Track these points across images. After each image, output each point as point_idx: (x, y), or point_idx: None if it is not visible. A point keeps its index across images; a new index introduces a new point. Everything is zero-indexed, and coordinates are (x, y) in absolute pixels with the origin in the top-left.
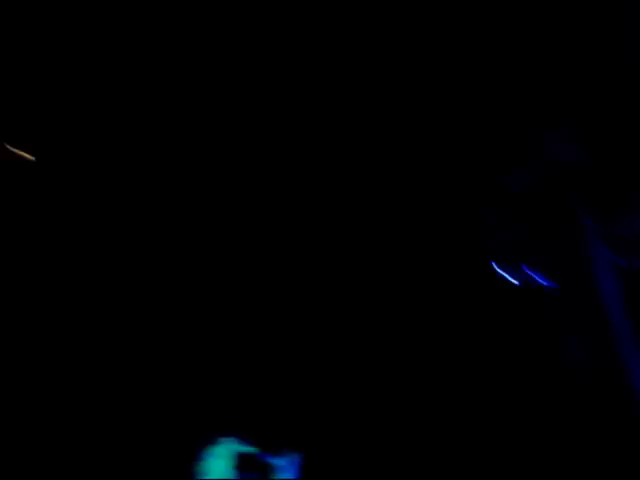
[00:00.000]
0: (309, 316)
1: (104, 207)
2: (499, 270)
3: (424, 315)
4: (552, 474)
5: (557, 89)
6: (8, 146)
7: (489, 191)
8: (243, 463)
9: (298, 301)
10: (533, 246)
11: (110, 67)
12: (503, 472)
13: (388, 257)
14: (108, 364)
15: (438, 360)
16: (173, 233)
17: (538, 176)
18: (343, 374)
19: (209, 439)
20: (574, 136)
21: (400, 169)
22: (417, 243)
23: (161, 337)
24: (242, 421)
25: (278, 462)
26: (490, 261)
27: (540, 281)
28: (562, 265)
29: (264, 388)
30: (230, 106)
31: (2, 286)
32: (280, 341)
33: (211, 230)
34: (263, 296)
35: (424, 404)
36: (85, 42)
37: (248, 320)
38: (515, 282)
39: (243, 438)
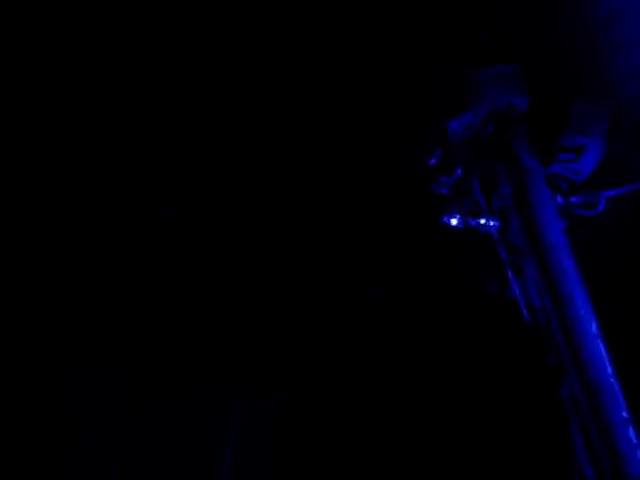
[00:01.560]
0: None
1: (104, 206)
2: (444, 215)
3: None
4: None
5: (496, 32)
6: None
7: (432, 135)
8: None
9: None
10: (477, 188)
11: (110, 67)
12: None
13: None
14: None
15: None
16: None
17: (480, 118)
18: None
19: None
20: (513, 77)
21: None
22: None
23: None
24: None
25: None
26: (433, 205)
27: (485, 223)
28: (506, 205)
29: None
30: (228, 106)
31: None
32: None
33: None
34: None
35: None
36: (85, 42)
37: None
38: (458, 225)
39: None
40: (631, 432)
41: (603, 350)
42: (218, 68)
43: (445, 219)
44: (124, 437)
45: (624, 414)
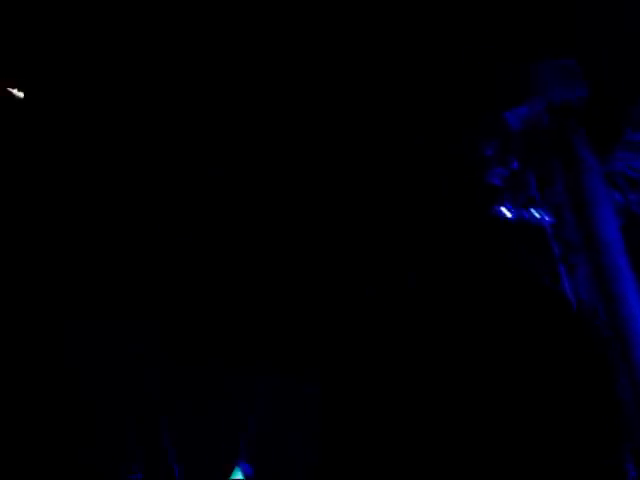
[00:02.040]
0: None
1: (104, 206)
2: (497, 206)
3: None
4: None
5: (557, 26)
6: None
7: (490, 126)
8: None
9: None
10: (533, 182)
11: (110, 67)
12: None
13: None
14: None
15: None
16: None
17: (539, 112)
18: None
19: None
20: (574, 72)
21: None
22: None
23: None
24: None
25: None
26: (488, 197)
27: (539, 217)
28: (561, 201)
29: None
30: (226, 106)
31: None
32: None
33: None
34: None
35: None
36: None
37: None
38: (512, 217)
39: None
40: None
41: None
42: (225, 66)
43: (499, 210)
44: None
45: None
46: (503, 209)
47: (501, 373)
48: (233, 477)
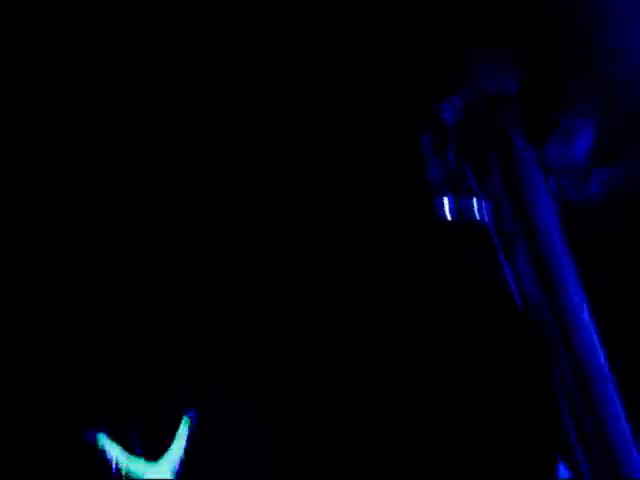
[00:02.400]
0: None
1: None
2: (436, 200)
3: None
4: None
5: (486, 20)
6: None
7: (423, 118)
8: None
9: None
10: (470, 174)
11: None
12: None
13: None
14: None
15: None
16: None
17: (473, 102)
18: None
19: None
20: (508, 61)
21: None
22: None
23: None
24: None
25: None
26: (427, 191)
27: (478, 209)
28: (499, 191)
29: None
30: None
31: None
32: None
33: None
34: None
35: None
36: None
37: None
38: (451, 211)
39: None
40: (626, 427)
41: (596, 339)
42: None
43: (437, 205)
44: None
45: (618, 408)
46: (442, 203)
47: (445, 369)
48: None
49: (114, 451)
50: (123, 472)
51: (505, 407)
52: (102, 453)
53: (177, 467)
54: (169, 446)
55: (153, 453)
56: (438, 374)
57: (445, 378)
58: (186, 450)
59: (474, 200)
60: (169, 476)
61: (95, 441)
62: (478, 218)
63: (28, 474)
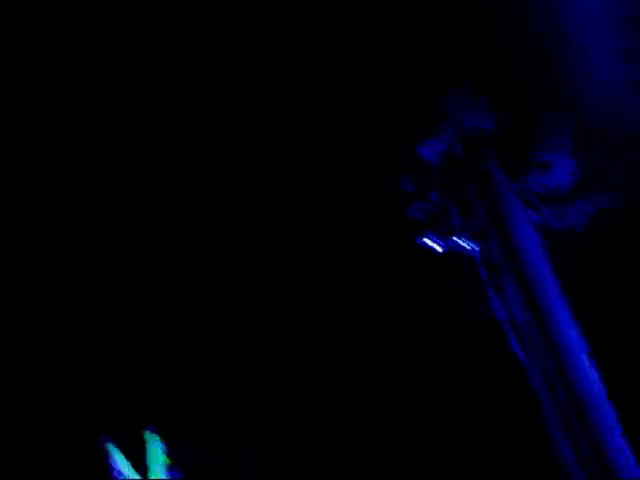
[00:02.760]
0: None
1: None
2: (423, 238)
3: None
4: None
5: (461, 60)
6: None
7: (406, 161)
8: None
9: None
10: (454, 211)
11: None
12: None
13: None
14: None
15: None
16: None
17: (452, 142)
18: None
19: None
20: (482, 101)
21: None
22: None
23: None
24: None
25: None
26: (413, 230)
27: (464, 245)
28: (483, 226)
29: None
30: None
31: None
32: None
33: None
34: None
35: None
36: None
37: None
38: (438, 248)
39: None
40: (621, 441)
41: (587, 360)
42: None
43: (424, 242)
44: None
45: (613, 422)
46: (428, 241)
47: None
48: None
49: (119, 459)
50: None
51: (501, 430)
52: (108, 460)
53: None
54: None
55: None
56: (429, 409)
57: (438, 408)
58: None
59: (459, 235)
60: None
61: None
62: (464, 252)
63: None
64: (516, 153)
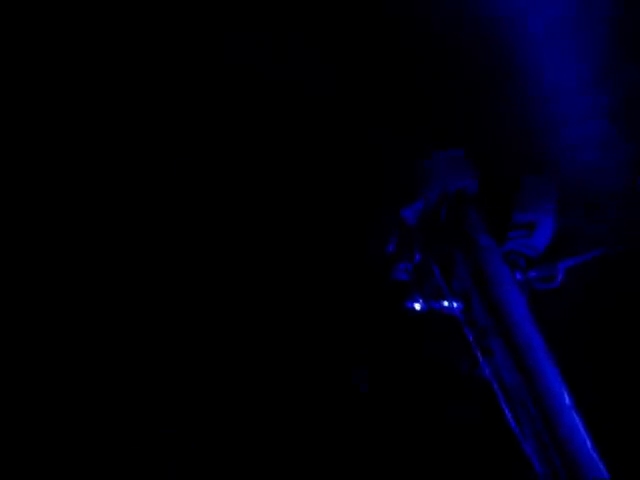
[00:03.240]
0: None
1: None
2: (407, 301)
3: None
4: None
5: (438, 117)
6: None
7: (388, 223)
8: None
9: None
10: (437, 272)
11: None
12: None
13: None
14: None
15: None
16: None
17: (433, 204)
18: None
19: None
20: (462, 162)
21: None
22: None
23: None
24: None
25: None
26: (396, 292)
27: (448, 306)
28: (467, 287)
29: None
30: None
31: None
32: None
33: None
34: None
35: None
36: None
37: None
38: (422, 309)
39: None
40: None
41: (579, 422)
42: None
43: (408, 304)
44: None
45: None
46: (412, 303)
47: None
48: None
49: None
50: None
51: None
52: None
53: None
54: None
55: None
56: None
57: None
58: None
59: (443, 296)
60: None
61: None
62: (448, 314)
63: None
64: (500, 213)
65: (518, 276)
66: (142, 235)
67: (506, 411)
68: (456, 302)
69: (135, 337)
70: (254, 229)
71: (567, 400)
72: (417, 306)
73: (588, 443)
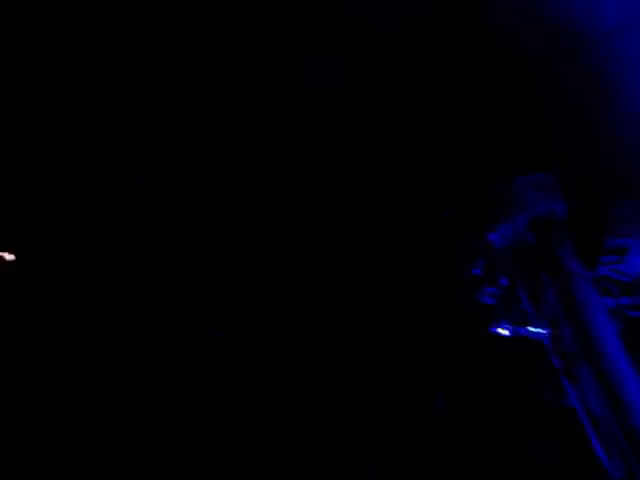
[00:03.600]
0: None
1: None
2: (492, 325)
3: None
4: None
5: (530, 139)
6: None
7: (475, 247)
8: None
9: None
10: (524, 297)
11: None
12: None
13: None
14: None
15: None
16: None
17: (521, 228)
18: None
19: None
20: (552, 186)
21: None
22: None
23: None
24: None
25: None
26: (483, 316)
27: (535, 331)
28: (555, 313)
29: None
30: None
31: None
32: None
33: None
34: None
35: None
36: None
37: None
38: (508, 334)
39: None
40: None
41: None
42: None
43: (494, 329)
44: None
45: None
46: (499, 328)
47: None
48: None
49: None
50: None
51: None
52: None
53: None
54: None
55: None
56: None
57: None
58: None
59: (531, 323)
60: None
61: None
62: (537, 340)
63: None
64: (590, 238)
65: (609, 302)
66: (145, 233)
67: (593, 441)
68: (543, 328)
69: (150, 336)
70: (340, 252)
71: None
72: (503, 331)
73: None
